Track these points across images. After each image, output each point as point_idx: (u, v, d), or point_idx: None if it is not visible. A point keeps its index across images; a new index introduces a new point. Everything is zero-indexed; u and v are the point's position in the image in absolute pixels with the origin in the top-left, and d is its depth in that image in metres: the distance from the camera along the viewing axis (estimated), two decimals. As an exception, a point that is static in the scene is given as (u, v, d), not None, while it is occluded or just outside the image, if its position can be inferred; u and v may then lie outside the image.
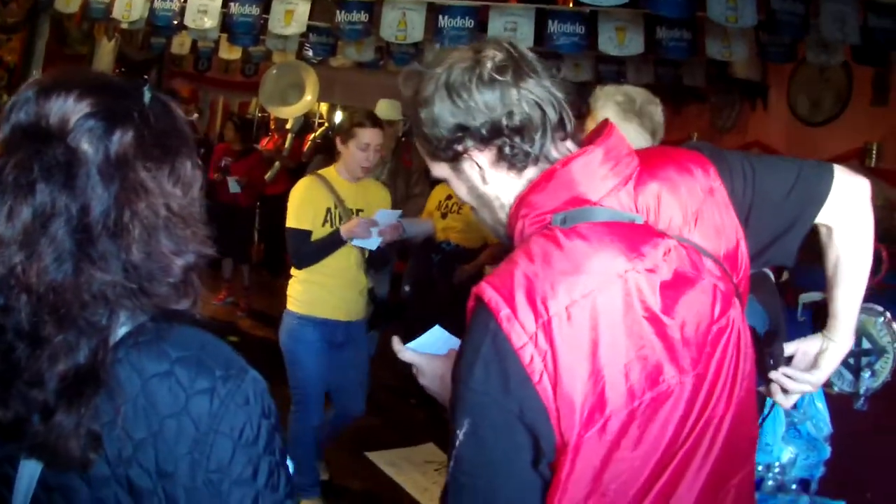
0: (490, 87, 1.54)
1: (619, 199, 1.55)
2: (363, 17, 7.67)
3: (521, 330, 1.37)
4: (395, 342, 1.91)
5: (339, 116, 15.58)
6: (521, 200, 1.58)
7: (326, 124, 14.32)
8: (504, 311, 1.38)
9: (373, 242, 4.43)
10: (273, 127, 10.80)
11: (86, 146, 1.18)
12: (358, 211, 4.50)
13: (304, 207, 4.42)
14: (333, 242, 4.34)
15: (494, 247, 5.95)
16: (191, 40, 10.16)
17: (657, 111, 3.03)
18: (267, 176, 9.88)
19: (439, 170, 1.71)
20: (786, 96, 8.74)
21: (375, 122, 4.41)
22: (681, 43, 6.93)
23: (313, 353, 4.46)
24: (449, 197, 6.39)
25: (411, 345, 1.92)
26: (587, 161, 1.55)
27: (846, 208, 1.78)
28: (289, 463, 1.35)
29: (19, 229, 1.14)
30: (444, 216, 6.40)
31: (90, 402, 1.16)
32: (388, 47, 9.19)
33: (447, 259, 6.29)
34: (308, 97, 10.01)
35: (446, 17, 7.26)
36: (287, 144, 10.42)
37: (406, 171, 7.37)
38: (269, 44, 9.67)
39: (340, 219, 4.42)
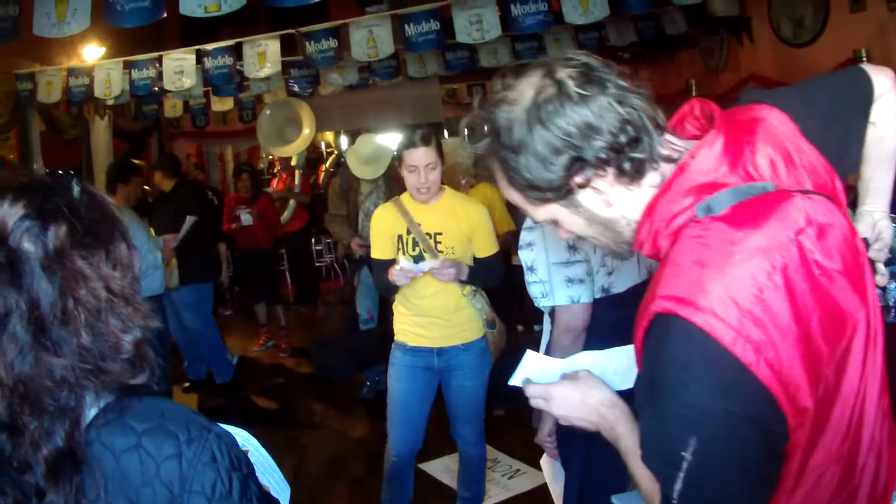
0: (585, 104, 1.44)
1: (747, 171, 1.49)
2: (332, 43, 7.81)
3: (726, 327, 1.31)
4: (521, 382, 1.85)
5: (344, 142, 15.75)
6: (653, 208, 1.51)
7: (335, 152, 14.48)
8: (700, 316, 1.32)
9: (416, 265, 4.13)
10: (279, 167, 10.93)
11: (26, 245, 1.24)
12: (436, 234, 4.18)
13: (375, 238, 4.34)
14: (390, 283, 4.17)
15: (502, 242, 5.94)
16: (181, 101, 10.35)
17: None
18: (283, 216, 9.98)
19: (546, 213, 1.61)
20: (768, 23, 8.79)
21: (424, 140, 4.08)
22: None
23: (397, 379, 4.31)
24: None
25: (523, 377, 1.84)
26: (712, 150, 1.50)
27: (886, 102, 1.81)
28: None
29: None
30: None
31: (74, 480, 1.22)
32: (369, 65, 9.29)
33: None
34: (306, 131, 10.15)
35: (411, 25, 7.37)
36: (297, 181, 10.53)
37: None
38: (253, 88, 9.85)
39: (415, 244, 4.19)
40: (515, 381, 1.85)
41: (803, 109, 1.64)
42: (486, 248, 4.24)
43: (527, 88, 1.48)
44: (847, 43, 7.35)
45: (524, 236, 3.01)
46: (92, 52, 8.76)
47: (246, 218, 8.48)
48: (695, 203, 1.45)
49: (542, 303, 2.97)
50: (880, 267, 1.89)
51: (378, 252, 4.31)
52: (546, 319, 3.10)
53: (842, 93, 1.76)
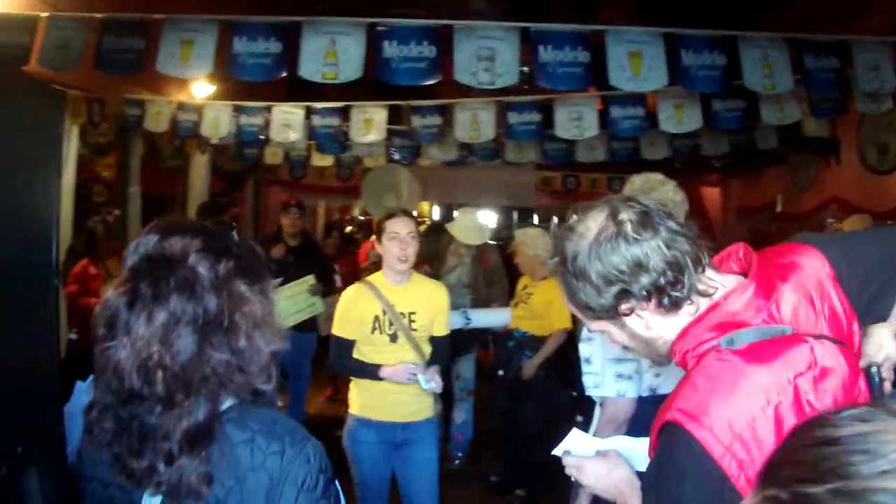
0: (638, 245, 1.70)
1: (770, 314, 1.71)
2: (437, 119, 8.03)
3: (719, 444, 1.53)
4: (563, 455, 2.15)
5: (436, 213, 15.94)
6: (686, 333, 1.75)
7: (428, 221, 14.63)
8: (700, 431, 1.55)
9: (427, 383, 4.27)
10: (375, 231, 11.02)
11: (202, 269, 1.62)
12: (410, 314, 4.35)
13: (346, 316, 4.38)
14: (372, 375, 4.29)
15: (555, 339, 6.08)
16: (282, 151, 10.60)
17: (667, 190, 3.25)
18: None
19: (597, 326, 1.87)
20: (856, 148, 8.83)
21: (404, 212, 4.36)
22: (736, 113, 7.16)
23: (368, 454, 4.39)
24: (524, 287, 6.46)
25: (564, 449, 2.16)
26: (743, 294, 1.73)
27: None
28: None
29: (158, 327, 1.56)
30: (515, 305, 6.46)
31: (204, 450, 1.58)
32: (470, 145, 9.44)
33: (519, 347, 6.32)
34: (405, 198, 10.27)
35: (514, 114, 7.53)
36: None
37: (485, 272, 7.44)
38: (355, 150, 10.07)
39: (391, 324, 4.31)
40: (558, 451, 2.17)
41: (847, 260, 1.85)
42: (443, 328, 4.51)
43: (592, 225, 1.75)
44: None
45: (585, 332, 3.27)
46: (201, 88, 8.99)
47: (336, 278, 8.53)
48: (719, 336, 1.68)
49: (593, 392, 3.27)
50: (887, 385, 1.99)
51: (342, 331, 4.38)
52: (597, 409, 3.40)
53: (892, 249, 1.95)
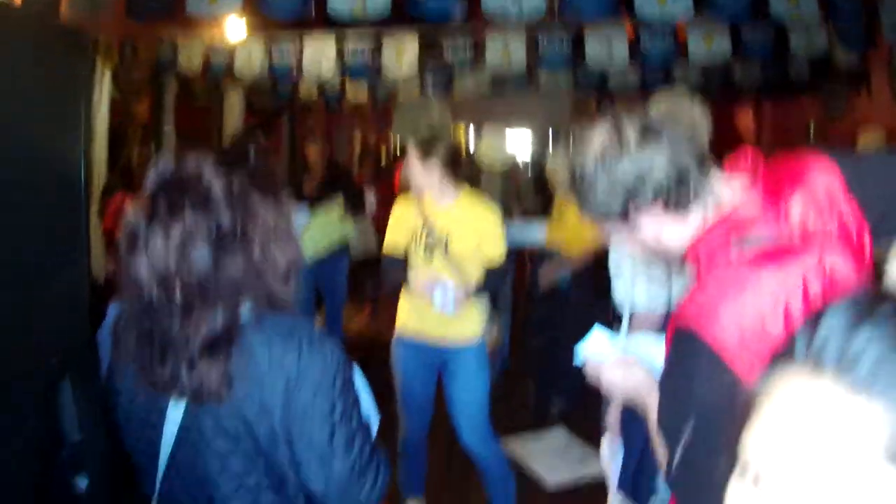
0: (640, 153, 1.75)
1: (778, 220, 1.75)
2: (469, 51, 8.07)
3: (729, 347, 1.58)
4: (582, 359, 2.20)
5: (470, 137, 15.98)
6: (697, 239, 1.80)
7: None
8: (711, 335, 1.60)
9: (441, 302, 4.13)
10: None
11: (215, 184, 1.69)
12: (447, 235, 4.20)
13: (392, 229, 4.41)
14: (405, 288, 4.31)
15: (579, 254, 5.99)
16: (316, 87, 10.65)
17: (693, 114, 3.18)
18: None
19: (615, 233, 1.96)
20: (886, 79, 8.74)
21: (436, 135, 4.26)
22: (765, 42, 7.24)
23: (406, 371, 4.40)
24: (558, 207, 6.40)
25: (585, 355, 2.19)
26: (751, 200, 1.78)
27: None
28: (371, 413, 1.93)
29: (174, 241, 1.65)
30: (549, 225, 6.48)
31: (224, 354, 1.67)
32: (503, 76, 9.46)
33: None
34: (437, 124, 10.27)
35: (544, 42, 7.53)
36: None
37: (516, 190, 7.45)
38: (388, 85, 10.10)
39: (427, 242, 4.23)
40: (580, 358, 2.19)
41: (859, 174, 1.85)
42: (493, 253, 4.25)
43: (596, 139, 1.81)
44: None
45: (613, 245, 3.35)
46: (233, 30, 8.97)
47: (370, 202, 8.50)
48: (729, 240, 1.73)
49: (623, 304, 3.27)
50: None
51: (388, 246, 4.41)
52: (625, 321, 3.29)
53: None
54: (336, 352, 1.77)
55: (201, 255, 1.66)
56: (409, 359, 4.40)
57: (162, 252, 1.65)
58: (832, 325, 0.85)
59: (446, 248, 4.21)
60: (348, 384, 1.79)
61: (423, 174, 4.20)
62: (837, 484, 0.80)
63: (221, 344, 1.68)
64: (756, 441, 0.89)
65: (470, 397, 4.34)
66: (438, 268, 4.21)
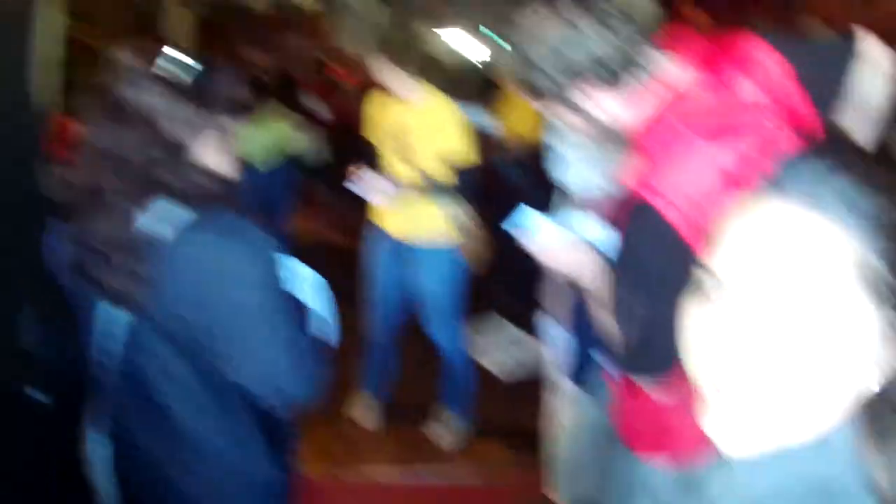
0: (575, 30, 1.74)
1: (719, 91, 1.80)
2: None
3: (678, 214, 1.65)
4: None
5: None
6: (637, 111, 1.83)
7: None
8: (662, 203, 1.66)
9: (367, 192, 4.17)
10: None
11: (132, 88, 1.69)
12: (406, 131, 4.18)
13: (364, 127, 4.46)
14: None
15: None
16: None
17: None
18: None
19: (548, 109, 1.94)
20: None
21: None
22: None
23: (373, 265, 4.42)
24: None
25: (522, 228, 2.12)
26: (694, 81, 1.81)
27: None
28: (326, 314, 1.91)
29: (96, 143, 1.71)
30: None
31: (142, 254, 1.64)
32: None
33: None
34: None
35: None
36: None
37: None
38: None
39: (388, 138, 4.25)
40: (524, 238, 2.11)
41: (795, 55, 1.87)
42: (460, 148, 4.12)
43: (532, 16, 1.80)
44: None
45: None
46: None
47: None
48: (670, 112, 1.78)
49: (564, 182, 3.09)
50: None
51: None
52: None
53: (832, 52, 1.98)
54: (268, 248, 1.75)
55: (124, 152, 1.68)
56: (376, 253, 4.40)
57: (87, 153, 1.73)
58: (794, 171, 0.86)
59: (407, 145, 4.15)
60: (277, 282, 1.77)
61: (388, 78, 4.13)
62: (810, 296, 0.81)
63: (139, 244, 1.66)
64: (722, 260, 0.89)
65: (441, 290, 4.31)
66: (400, 166, 4.17)
